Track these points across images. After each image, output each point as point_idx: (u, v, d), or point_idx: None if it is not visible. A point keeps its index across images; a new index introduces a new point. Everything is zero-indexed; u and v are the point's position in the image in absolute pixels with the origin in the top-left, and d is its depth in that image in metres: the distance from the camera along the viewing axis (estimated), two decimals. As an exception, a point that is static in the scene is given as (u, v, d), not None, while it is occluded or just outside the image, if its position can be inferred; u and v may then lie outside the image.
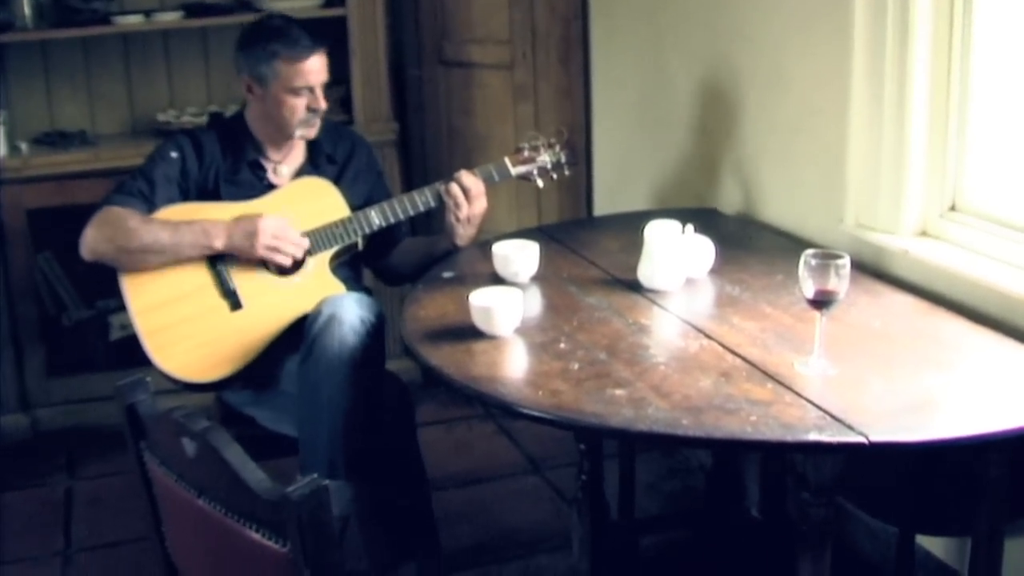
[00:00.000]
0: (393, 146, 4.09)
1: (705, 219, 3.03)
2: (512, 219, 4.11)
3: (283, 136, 2.95)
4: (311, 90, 2.88)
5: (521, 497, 3.56)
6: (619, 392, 2.03)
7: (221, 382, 2.82)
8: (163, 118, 4.06)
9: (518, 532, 3.34)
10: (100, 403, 4.00)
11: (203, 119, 3.83)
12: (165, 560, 1.71)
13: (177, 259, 2.81)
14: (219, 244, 2.79)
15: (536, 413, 2.00)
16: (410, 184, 4.25)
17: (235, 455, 1.40)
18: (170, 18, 3.93)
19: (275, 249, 2.80)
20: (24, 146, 3.96)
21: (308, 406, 2.66)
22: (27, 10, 3.84)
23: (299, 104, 2.88)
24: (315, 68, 2.88)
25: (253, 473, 1.39)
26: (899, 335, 2.27)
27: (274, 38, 2.86)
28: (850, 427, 1.85)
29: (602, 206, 4.06)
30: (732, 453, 3.10)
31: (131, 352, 3.97)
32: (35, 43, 4.01)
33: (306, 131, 2.94)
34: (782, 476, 2.98)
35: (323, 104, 2.91)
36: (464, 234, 2.92)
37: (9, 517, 3.53)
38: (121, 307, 3.79)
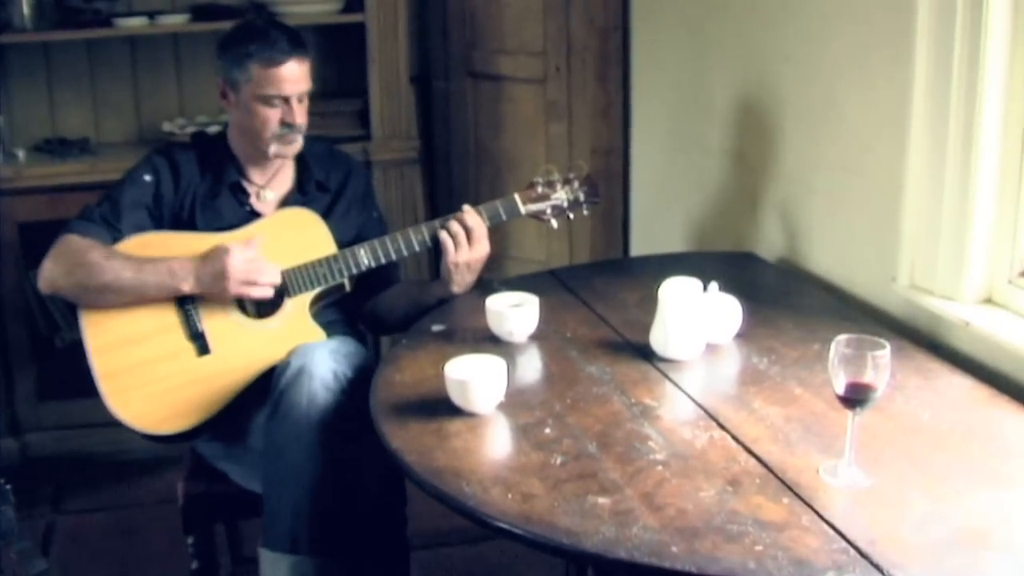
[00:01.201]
0: (414, 164, 3.77)
1: (741, 266, 2.69)
2: (542, 247, 3.78)
3: (258, 153, 2.64)
4: (286, 101, 2.56)
5: (531, 558, 3.21)
6: (602, 501, 1.68)
7: (183, 434, 2.52)
8: (168, 128, 3.78)
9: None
10: (93, 429, 3.74)
11: (214, 129, 3.56)
12: None
13: (140, 299, 2.51)
14: (187, 287, 2.49)
15: (499, 523, 1.66)
16: (434, 208, 3.95)
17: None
18: (176, 21, 3.66)
19: (250, 283, 2.49)
20: (21, 153, 3.71)
21: (272, 471, 2.34)
22: (26, 10, 3.59)
23: (271, 116, 2.57)
24: (290, 76, 2.56)
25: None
26: (952, 433, 1.89)
27: (250, 39, 2.57)
28: (878, 568, 1.49)
29: (639, 235, 3.70)
30: None
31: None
32: (37, 45, 3.77)
33: (282, 148, 2.62)
34: None
35: (298, 119, 2.59)
36: (461, 281, 2.58)
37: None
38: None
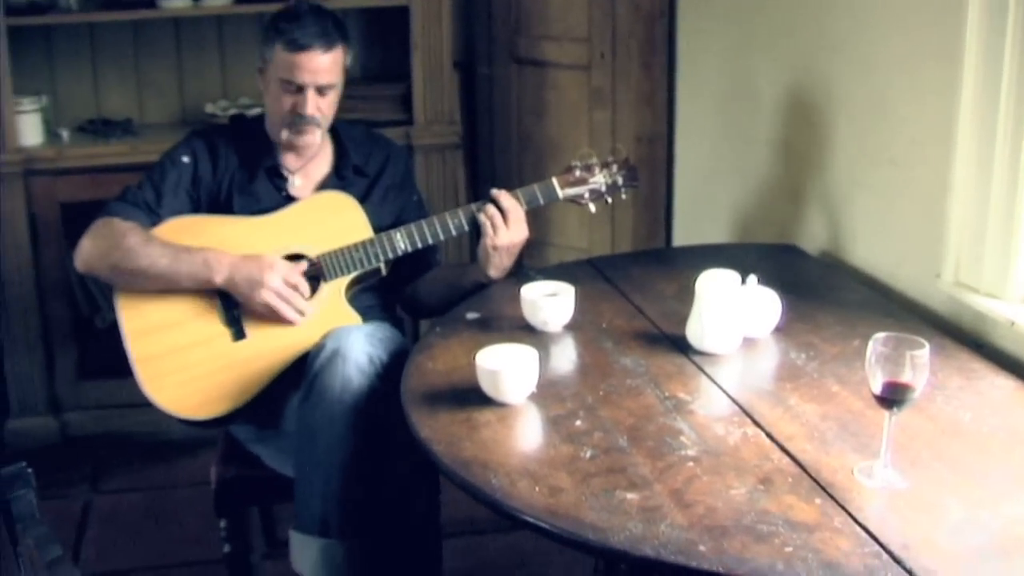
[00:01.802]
0: (457, 149, 3.75)
1: (783, 258, 2.64)
2: (583, 235, 3.75)
3: (276, 133, 2.63)
4: (300, 89, 2.54)
5: (566, 552, 3.19)
6: (631, 496, 1.65)
7: (218, 419, 2.51)
8: (211, 109, 3.78)
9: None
10: (132, 409, 3.76)
11: (255, 112, 3.55)
12: None
13: (174, 287, 2.51)
14: (219, 280, 2.48)
15: (526, 517, 1.64)
16: (475, 194, 3.92)
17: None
18: (220, 2, 3.64)
19: (274, 308, 2.48)
20: (65, 134, 3.72)
21: (304, 455, 2.33)
22: (73, -11, 3.60)
23: (285, 100, 2.55)
24: (309, 65, 2.53)
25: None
26: (993, 436, 1.84)
27: (284, 20, 2.56)
28: (911, 573, 1.45)
29: (682, 224, 3.66)
30: None
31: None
32: (83, 26, 3.77)
33: (291, 136, 2.60)
34: None
35: (309, 110, 2.56)
36: (499, 264, 2.55)
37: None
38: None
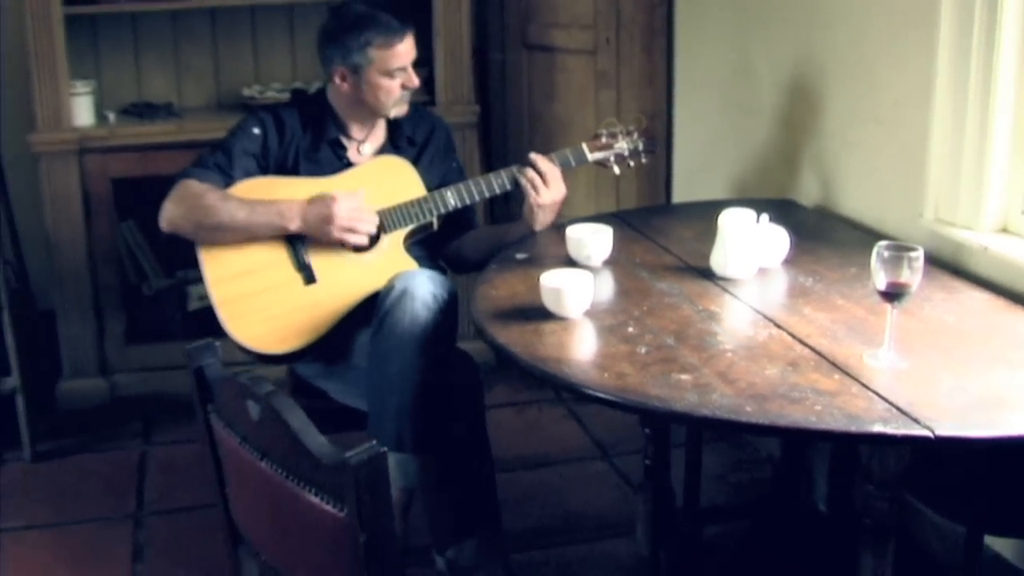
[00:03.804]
0: (474, 128, 4.10)
1: (782, 210, 3.00)
2: (590, 205, 4.11)
3: (376, 117, 2.98)
4: (404, 70, 2.91)
5: (588, 482, 3.56)
6: (684, 377, 2.02)
7: (293, 354, 2.85)
8: (248, 93, 4.11)
9: (583, 517, 3.34)
10: (176, 371, 4.02)
11: (286, 96, 3.87)
12: (228, 522, 1.74)
13: (252, 237, 2.84)
14: (294, 226, 2.82)
15: (601, 395, 2.00)
16: (490, 167, 4.26)
17: (297, 419, 1.42)
18: (259, -7, 3.99)
19: (351, 230, 2.82)
20: (112, 116, 4.03)
21: (377, 379, 2.68)
22: (119, -20, 3.92)
23: (394, 85, 2.91)
24: (406, 50, 2.90)
25: (314, 438, 1.42)
26: (973, 332, 2.23)
27: (365, 27, 2.88)
28: (916, 420, 1.83)
29: (681, 194, 4.03)
30: (797, 443, 3.07)
31: (208, 323, 4.06)
32: (125, 15, 4.08)
33: (400, 109, 2.97)
34: (851, 471, 2.95)
35: (416, 81, 2.94)
36: (543, 220, 2.92)
37: (86, 478, 3.61)
38: (200, 278, 3.88)
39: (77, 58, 3.96)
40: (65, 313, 4.00)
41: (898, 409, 1.87)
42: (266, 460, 1.51)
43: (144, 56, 4.19)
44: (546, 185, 2.88)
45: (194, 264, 3.68)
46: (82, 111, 3.92)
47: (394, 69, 2.89)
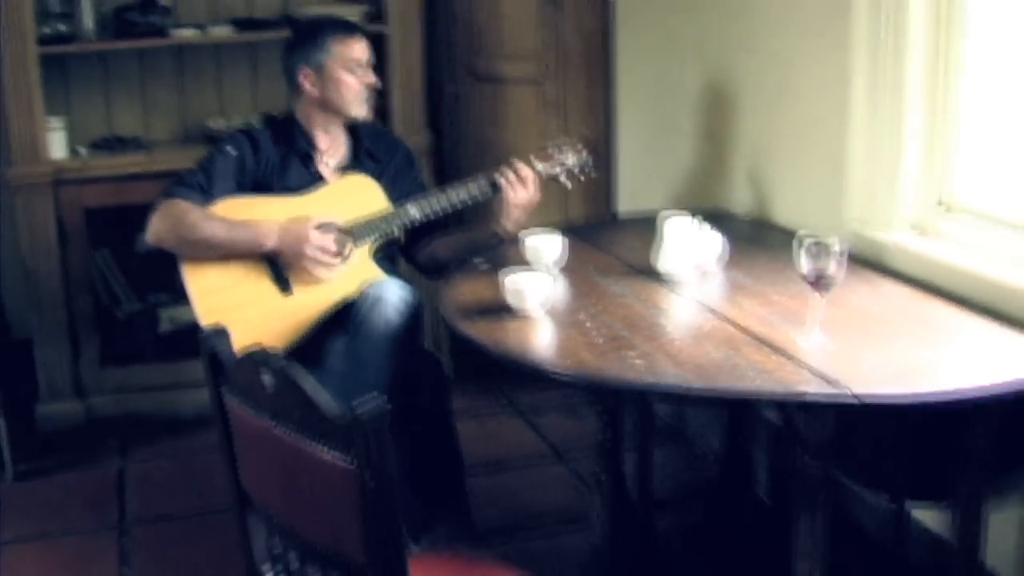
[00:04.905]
0: (427, 154, 4.35)
1: (718, 220, 3.24)
2: (539, 221, 4.34)
3: (339, 117, 3.22)
4: (362, 66, 3.17)
5: (546, 483, 3.79)
6: (638, 360, 2.27)
7: (272, 361, 3.06)
8: (213, 125, 4.33)
9: (543, 514, 3.57)
10: (150, 392, 4.27)
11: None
12: (236, 488, 1.96)
13: (231, 254, 3.07)
14: (269, 245, 3.06)
15: (565, 377, 2.25)
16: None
17: (309, 384, 1.65)
18: (223, 32, 4.21)
19: (322, 250, 3.06)
20: (83, 150, 4.23)
21: (354, 381, 2.90)
22: (89, 23, 4.12)
23: (355, 81, 3.17)
24: (363, 47, 3.21)
25: (325, 398, 1.64)
26: (893, 318, 2.51)
27: (322, 29, 3.21)
28: (842, 387, 2.09)
29: (624, 210, 4.31)
30: (740, 435, 3.32)
31: (178, 344, 4.28)
32: (95, 54, 4.28)
33: (360, 109, 3.23)
34: (791, 465, 3.20)
35: (373, 79, 3.21)
36: (517, 220, 3.17)
37: (68, 494, 3.78)
38: (170, 302, 4.10)
39: (49, 95, 4.13)
40: (41, 338, 4.17)
41: (825, 378, 2.13)
42: (280, 425, 1.73)
43: (113, 92, 4.39)
44: (524, 186, 3.13)
45: (164, 289, 3.92)
46: (56, 145, 4.10)
47: (353, 62, 3.16)
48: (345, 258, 3.12)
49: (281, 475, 1.79)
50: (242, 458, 1.92)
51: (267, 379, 1.72)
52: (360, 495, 1.62)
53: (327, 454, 1.65)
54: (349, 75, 3.17)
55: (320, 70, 3.17)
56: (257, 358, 1.75)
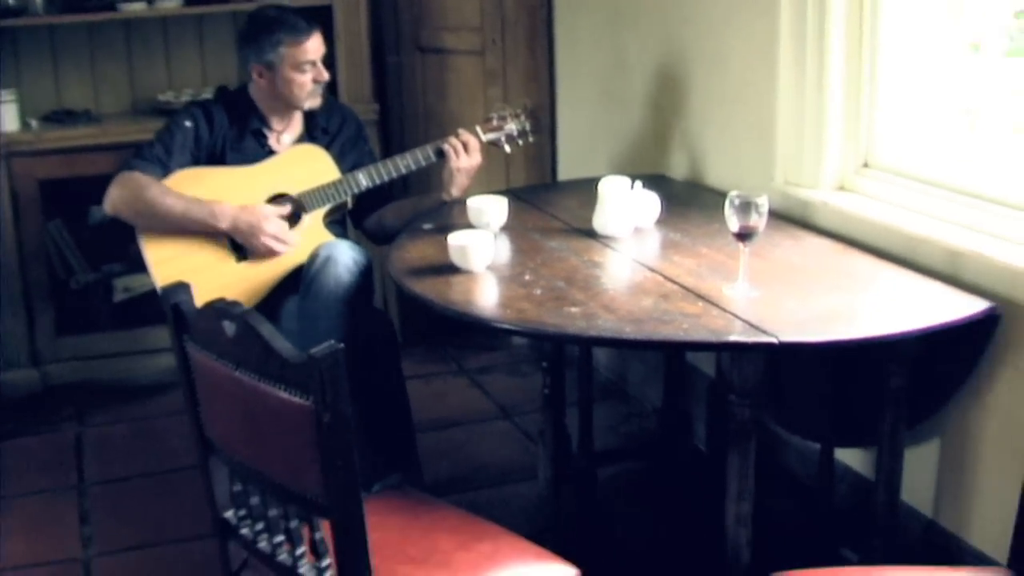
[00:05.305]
0: (374, 125, 4.45)
1: (656, 183, 3.40)
2: (483, 188, 4.48)
3: (292, 109, 3.33)
4: (313, 64, 3.26)
5: (492, 438, 3.94)
6: (574, 310, 2.41)
7: (227, 323, 3.19)
8: (163, 98, 4.41)
9: (490, 467, 3.72)
10: (105, 360, 4.37)
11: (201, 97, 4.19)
12: (200, 434, 2.08)
13: (186, 229, 3.18)
14: (224, 226, 3.18)
15: (505, 326, 2.39)
16: (389, 159, 4.63)
17: (267, 330, 1.78)
18: (171, 5, 4.29)
19: (269, 248, 3.19)
20: (34, 123, 4.30)
21: (307, 338, 3.01)
22: (39, -3, 4.20)
23: (306, 80, 3.27)
24: (315, 46, 3.28)
25: (282, 343, 1.77)
26: (815, 268, 2.67)
27: (275, 27, 3.26)
28: (764, 331, 2.25)
29: (565, 176, 4.46)
30: (676, 367, 3.45)
31: (132, 312, 4.37)
32: (44, 27, 4.35)
33: (313, 101, 3.34)
34: (725, 415, 3.38)
35: (325, 75, 3.31)
36: (460, 184, 3.31)
37: (25, 458, 3.88)
38: (124, 271, 4.19)
39: (-1, 69, 4.22)
40: (-4, 308, 4.25)
41: (750, 324, 2.29)
42: (241, 369, 1.85)
43: (62, 66, 4.46)
44: (467, 152, 3.27)
45: (118, 259, 4.02)
46: (7, 118, 4.18)
47: (303, 63, 3.26)
48: (296, 223, 3.24)
49: (243, 418, 1.91)
50: (205, 405, 2.04)
51: (228, 326, 1.84)
52: (317, 431, 1.75)
53: (285, 394, 1.78)
54: (300, 75, 3.28)
55: (271, 68, 3.28)
56: (218, 307, 1.87)
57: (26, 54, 4.40)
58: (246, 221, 3.17)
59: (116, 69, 4.52)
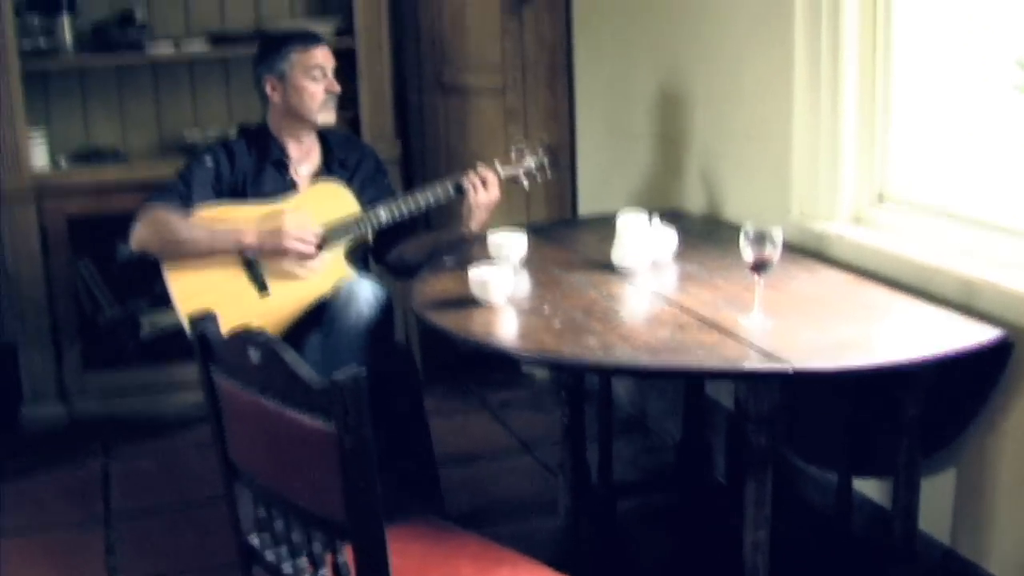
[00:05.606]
0: (396, 163, 4.52)
1: (673, 218, 3.45)
2: (503, 223, 4.54)
3: (306, 124, 3.40)
4: (325, 74, 3.35)
5: (514, 473, 3.97)
6: (592, 340, 2.45)
7: (251, 357, 3.24)
8: (190, 137, 4.50)
9: (511, 501, 3.74)
10: (132, 395, 4.43)
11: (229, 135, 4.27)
12: (224, 461, 2.13)
13: (212, 254, 3.24)
14: (249, 240, 3.23)
15: (526, 356, 2.43)
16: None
17: (291, 356, 1.83)
18: (198, 47, 4.38)
19: (299, 239, 3.24)
20: (63, 161, 4.38)
21: (330, 371, 3.06)
22: (69, 38, 4.29)
23: (317, 89, 3.35)
24: (324, 55, 3.39)
25: (306, 369, 1.82)
26: (830, 299, 2.71)
27: (285, 40, 3.40)
28: (779, 359, 2.29)
29: (584, 212, 4.50)
30: (695, 400, 3.48)
31: (159, 348, 4.43)
32: (74, 68, 4.45)
33: (326, 115, 3.40)
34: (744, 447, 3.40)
35: (337, 87, 3.39)
36: (480, 219, 3.36)
37: (52, 490, 3.92)
38: (150, 308, 4.25)
39: (30, 107, 4.28)
40: (25, 343, 4.33)
41: (765, 353, 2.33)
42: (265, 395, 1.91)
43: (91, 105, 4.55)
44: (485, 188, 3.33)
45: (145, 295, 4.08)
46: (38, 157, 4.27)
47: (313, 68, 3.34)
48: (320, 248, 3.29)
49: (267, 443, 1.96)
50: (230, 431, 2.09)
51: (253, 353, 1.89)
52: (339, 455, 1.79)
53: (308, 419, 1.83)
54: (311, 82, 3.35)
55: (283, 78, 3.35)
56: (243, 336, 1.92)
57: (56, 94, 4.50)
58: (268, 229, 3.23)
59: (143, 109, 4.60)
